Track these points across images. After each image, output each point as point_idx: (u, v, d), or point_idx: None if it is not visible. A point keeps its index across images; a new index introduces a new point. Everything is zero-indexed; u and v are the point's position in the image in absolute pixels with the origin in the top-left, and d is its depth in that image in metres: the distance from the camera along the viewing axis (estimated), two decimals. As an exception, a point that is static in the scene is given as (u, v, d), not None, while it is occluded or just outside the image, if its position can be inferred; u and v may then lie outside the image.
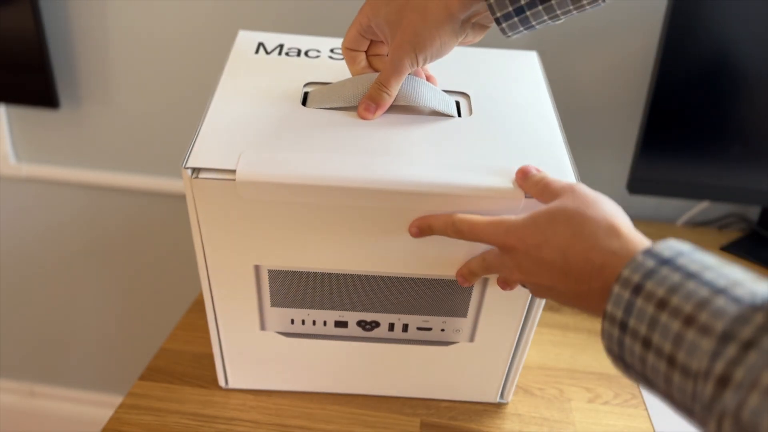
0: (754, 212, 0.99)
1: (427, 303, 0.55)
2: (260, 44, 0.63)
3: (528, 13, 0.47)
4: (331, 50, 0.63)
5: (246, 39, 0.63)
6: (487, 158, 0.50)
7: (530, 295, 0.54)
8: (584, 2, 0.47)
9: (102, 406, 1.36)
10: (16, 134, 1.09)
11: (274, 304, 0.55)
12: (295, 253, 0.51)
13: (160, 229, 1.14)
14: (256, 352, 0.59)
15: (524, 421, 0.61)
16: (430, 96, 0.54)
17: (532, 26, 0.48)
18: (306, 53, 0.62)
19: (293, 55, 0.62)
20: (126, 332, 1.29)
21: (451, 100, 0.56)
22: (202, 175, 0.46)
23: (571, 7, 0.47)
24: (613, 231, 0.40)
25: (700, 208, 0.99)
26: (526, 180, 0.47)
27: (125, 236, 1.16)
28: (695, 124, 0.83)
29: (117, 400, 1.30)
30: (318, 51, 0.62)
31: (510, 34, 0.49)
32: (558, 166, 0.50)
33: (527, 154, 0.51)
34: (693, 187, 0.88)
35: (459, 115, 0.55)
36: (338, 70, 0.58)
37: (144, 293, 1.23)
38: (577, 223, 0.41)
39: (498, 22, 0.47)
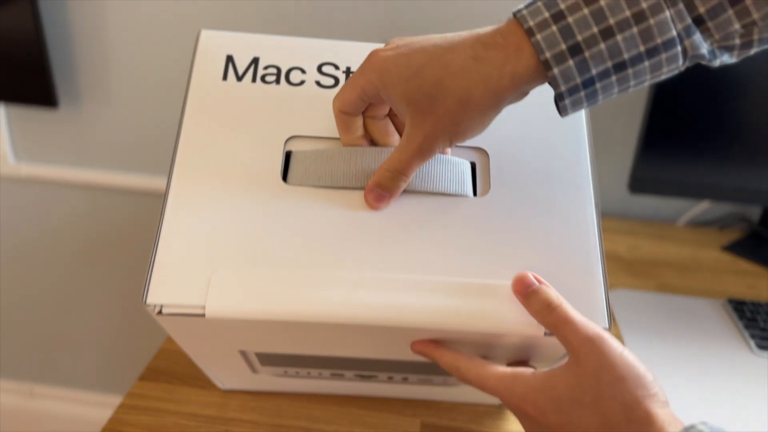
0: (755, 212, 0.99)
1: (428, 368, 0.50)
2: (229, 60, 0.48)
3: (598, 85, 0.38)
4: (319, 68, 0.49)
5: (210, 49, 0.49)
6: (502, 270, 0.41)
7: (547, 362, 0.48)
8: (663, 69, 0.38)
9: (101, 407, 1.36)
10: (15, 134, 1.09)
11: (264, 363, 0.52)
12: (282, 346, 0.47)
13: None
14: (250, 383, 0.58)
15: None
16: (440, 174, 0.45)
17: (596, 101, 0.39)
18: (287, 76, 0.48)
19: (271, 80, 0.48)
20: (126, 332, 1.29)
21: (466, 170, 0.46)
22: (166, 310, 0.40)
23: (648, 77, 0.38)
24: (645, 421, 0.35)
25: (700, 208, 0.99)
26: (528, 300, 0.40)
27: (125, 236, 1.16)
28: (696, 123, 0.83)
29: (116, 400, 1.29)
30: (303, 70, 0.49)
31: (570, 111, 0.40)
32: (587, 297, 0.41)
33: (551, 267, 0.42)
34: (694, 187, 0.87)
35: (474, 189, 0.46)
36: (328, 107, 0.46)
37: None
38: (606, 412, 0.36)
39: (561, 97, 0.39)
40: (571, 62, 0.37)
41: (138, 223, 1.14)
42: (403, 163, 0.42)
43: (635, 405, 0.35)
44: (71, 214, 1.16)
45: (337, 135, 0.46)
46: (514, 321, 0.40)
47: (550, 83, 0.38)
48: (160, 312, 0.40)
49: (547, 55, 0.37)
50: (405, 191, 0.44)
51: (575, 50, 0.37)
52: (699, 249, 0.93)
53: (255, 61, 0.49)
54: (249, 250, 0.41)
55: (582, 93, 0.38)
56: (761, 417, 0.61)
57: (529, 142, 0.47)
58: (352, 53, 0.49)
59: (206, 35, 0.50)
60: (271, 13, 0.94)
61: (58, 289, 1.26)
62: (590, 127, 0.48)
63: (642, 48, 0.37)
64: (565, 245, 0.43)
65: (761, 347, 0.70)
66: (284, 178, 0.45)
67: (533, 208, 0.44)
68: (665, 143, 0.84)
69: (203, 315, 0.39)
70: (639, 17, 0.36)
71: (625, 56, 0.37)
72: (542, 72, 0.38)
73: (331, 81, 0.48)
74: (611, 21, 0.36)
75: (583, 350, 0.37)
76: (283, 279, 0.40)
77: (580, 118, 0.48)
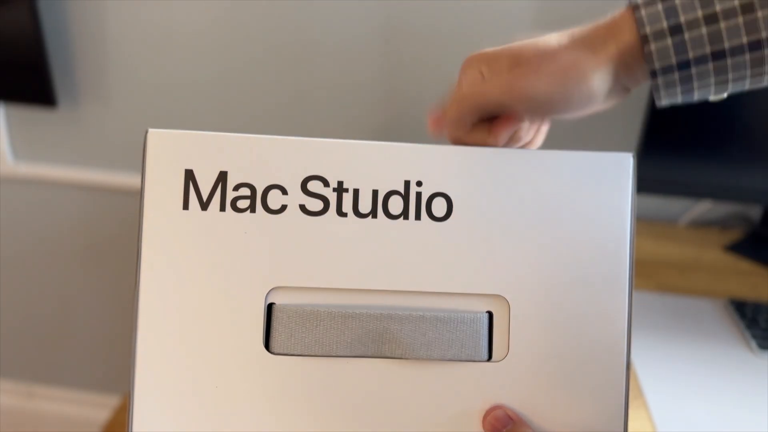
0: (756, 212, 0.99)
1: None
2: (188, 177, 0.39)
3: (693, 70, 0.37)
4: (304, 186, 0.39)
5: (164, 160, 0.39)
6: None
7: None
8: (765, 68, 0.37)
9: (100, 407, 1.35)
10: (13, 133, 1.09)
11: None
12: None
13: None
14: None
15: (525, 423, 0.60)
16: (449, 337, 0.39)
17: (691, 90, 0.38)
18: (264, 199, 0.39)
19: (244, 207, 0.39)
20: (126, 332, 1.28)
21: (481, 328, 0.39)
22: None
23: (748, 73, 0.37)
24: None
25: (702, 208, 0.99)
26: None
27: (124, 235, 1.16)
28: (697, 122, 0.82)
29: (115, 401, 1.29)
30: (284, 190, 0.39)
31: (664, 97, 0.39)
32: None
33: None
34: (695, 187, 0.87)
35: (489, 353, 0.39)
36: (315, 244, 0.39)
37: (143, 293, 1.22)
38: None
39: (654, 75, 0.37)
40: (669, 41, 0.36)
41: (136, 222, 1.13)
42: (474, 91, 0.39)
43: None
44: (70, 214, 1.16)
45: (326, 285, 0.39)
46: None
47: (645, 60, 0.37)
48: None
49: (648, 30, 0.37)
50: (406, 359, 0.39)
51: (676, 30, 0.37)
52: (700, 249, 0.93)
53: (222, 178, 0.39)
54: None
55: (676, 75, 0.37)
56: (762, 417, 0.60)
57: (559, 286, 0.39)
58: (344, 159, 0.39)
59: (156, 138, 0.39)
60: (272, 16, 0.93)
61: (58, 289, 1.25)
62: (632, 278, 0.41)
63: (744, 39, 0.36)
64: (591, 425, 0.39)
65: (762, 348, 0.70)
66: (267, 339, 0.39)
67: (559, 376, 0.39)
68: (666, 143, 0.84)
69: None
70: (746, 8, 0.36)
71: (726, 45, 0.36)
72: (640, 50, 0.37)
73: (318, 204, 0.39)
74: (717, 8, 0.36)
75: None
76: None
77: (623, 266, 0.41)
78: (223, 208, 0.39)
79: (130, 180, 1.09)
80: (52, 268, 1.23)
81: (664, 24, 0.36)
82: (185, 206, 0.39)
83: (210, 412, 0.38)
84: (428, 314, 0.39)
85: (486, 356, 0.39)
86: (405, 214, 0.39)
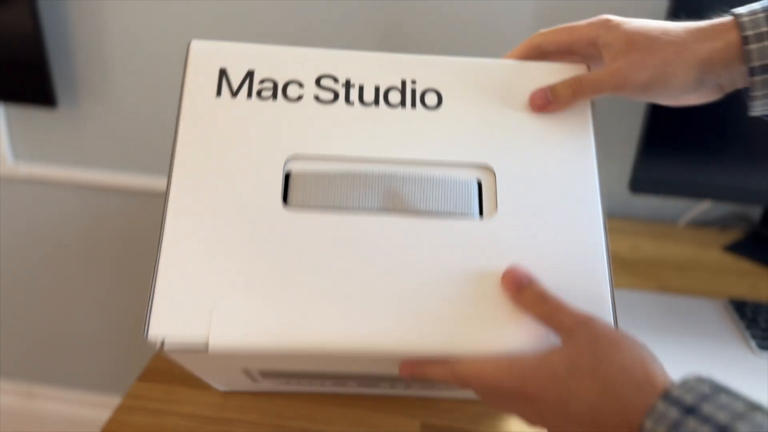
0: (756, 212, 0.99)
1: None
2: (222, 74, 0.47)
3: None
4: (318, 81, 0.47)
5: (202, 62, 0.47)
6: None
7: None
8: None
9: (100, 408, 1.36)
10: (13, 133, 1.09)
11: (266, 377, 0.52)
12: (286, 367, 0.48)
13: (159, 229, 1.13)
14: (251, 387, 0.58)
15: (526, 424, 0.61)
16: (445, 193, 0.45)
17: None
18: (284, 90, 0.47)
19: (267, 95, 0.46)
20: (125, 333, 1.28)
21: (472, 190, 0.46)
22: (168, 347, 0.40)
23: None
24: (646, 380, 0.36)
25: (701, 208, 0.99)
26: (521, 294, 0.41)
27: (124, 236, 1.16)
28: (697, 123, 0.83)
29: (115, 401, 1.29)
30: (300, 84, 0.47)
31: (760, 94, 0.43)
32: (595, 302, 0.43)
33: (558, 291, 0.42)
34: (695, 187, 0.87)
35: (480, 209, 0.45)
36: (328, 124, 0.47)
37: (143, 293, 1.22)
38: (605, 376, 0.36)
39: (752, 72, 0.42)
40: None
41: (137, 222, 1.13)
42: (590, 78, 0.47)
43: (633, 366, 0.36)
44: (70, 214, 1.16)
45: (337, 152, 0.46)
46: (517, 339, 0.41)
47: (744, 59, 0.42)
48: (162, 347, 0.40)
49: (750, 33, 0.41)
50: (408, 213, 0.44)
51: None
52: (700, 249, 0.93)
53: (250, 75, 0.47)
54: (250, 279, 0.41)
55: None
56: (763, 418, 0.60)
57: (536, 158, 0.47)
58: (351, 64, 0.48)
59: (197, 46, 0.48)
60: (267, 15, 0.93)
61: (57, 289, 1.25)
62: (597, 142, 0.50)
63: None
64: (573, 269, 0.44)
65: (762, 348, 0.70)
66: (285, 200, 0.44)
67: (542, 230, 0.44)
68: (666, 143, 0.84)
69: (206, 350, 0.40)
70: None
71: None
72: (740, 49, 0.42)
73: (329, 95, 0.47)
74: None
75: (577, 329, 0.39)
76: (285, 310, 0.41)
77: (588, 133, 0.50)
78: (249, 96, 0.46)
79: (130, 180, 1.09)
80: (52, 268, 1.23)
81: (765, 28, 0.41)
82: (218, 94, 0.46)
83: (233, 263, 0.42)
84: (426, 174, 0.45)
85: (477, 214, 0.45)
86: (402, 103, 0.47)
